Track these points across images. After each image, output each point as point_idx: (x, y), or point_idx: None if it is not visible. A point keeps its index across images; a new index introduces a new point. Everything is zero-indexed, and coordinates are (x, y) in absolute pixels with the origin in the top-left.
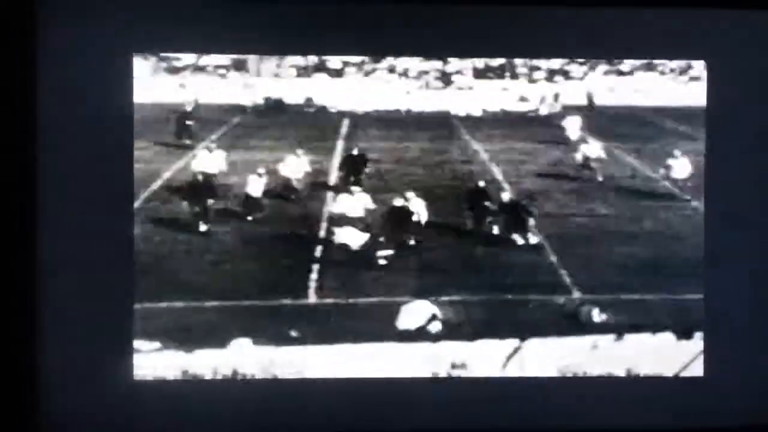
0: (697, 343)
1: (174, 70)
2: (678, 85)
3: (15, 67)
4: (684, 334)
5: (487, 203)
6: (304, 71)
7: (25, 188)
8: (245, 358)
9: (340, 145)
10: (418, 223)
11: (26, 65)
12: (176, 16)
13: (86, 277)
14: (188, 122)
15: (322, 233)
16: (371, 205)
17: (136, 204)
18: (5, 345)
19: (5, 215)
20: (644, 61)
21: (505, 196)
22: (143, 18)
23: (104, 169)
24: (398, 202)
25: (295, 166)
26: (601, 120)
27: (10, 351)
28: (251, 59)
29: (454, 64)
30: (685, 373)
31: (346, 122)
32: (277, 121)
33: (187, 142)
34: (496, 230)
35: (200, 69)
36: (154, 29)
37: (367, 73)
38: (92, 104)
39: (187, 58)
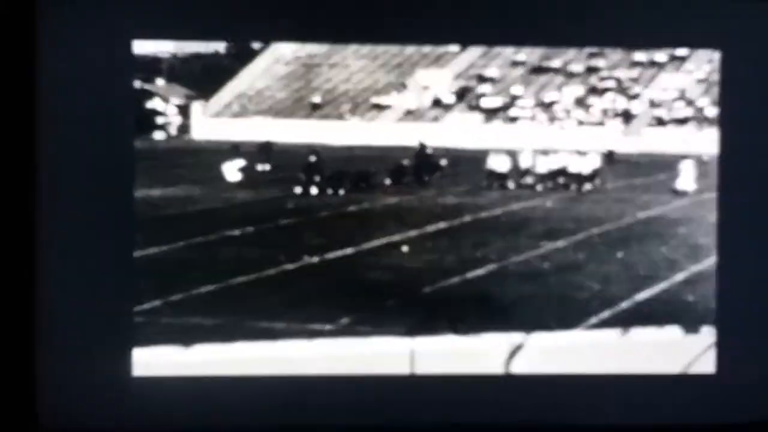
0: (705, 337)
1: None
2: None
3: (14, 54)
4: (692, 328)
5: None
6: None
7: (24, 181)
8: None
9: None
10: None
11: (26, 52)
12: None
13: (86, 272)
14: None
15: None
16: None
17: None
18: (3, 343)
19: (4, 208)
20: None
21: None
22: (145, 2)
23: (105, 160)
24: None
25: None
26: None
27: (8, 348)
28: None
29: None
30: (693, 369)
31: None
32: None
33: None
34: None
35: None
36: (155, 14)
37: None
38: (93, 91)
39: None
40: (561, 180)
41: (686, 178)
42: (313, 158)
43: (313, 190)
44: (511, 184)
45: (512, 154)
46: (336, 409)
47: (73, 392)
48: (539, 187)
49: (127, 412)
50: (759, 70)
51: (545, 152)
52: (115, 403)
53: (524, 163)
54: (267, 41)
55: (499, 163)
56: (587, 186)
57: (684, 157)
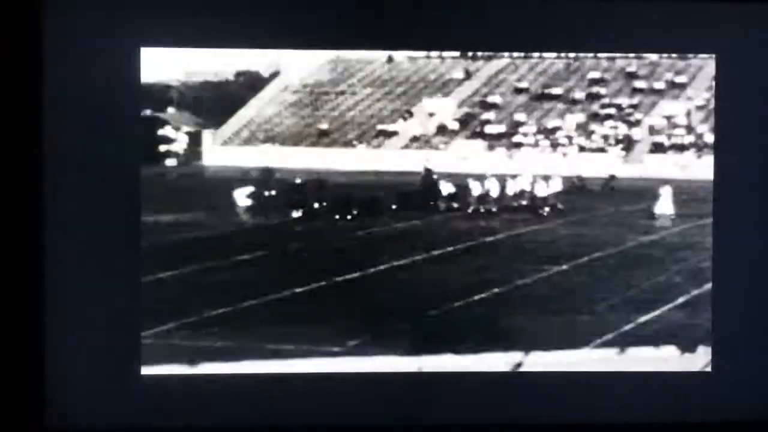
0: (701, 357)
1: None
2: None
3: (20, 60)
4: (688, 347)
5: None
6: None
7: (31, 179)
8: None
9: None
10: None
11: (32, 57)
12: (187, 7)
13: (93, 272)
14: None
15: None
16: None
17: None
18: (10, 343)
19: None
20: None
21: None
22: (152, 8)
23: (111, 157)
24: None
25: None
26: None
27: (16, 349)
28: None
29: None
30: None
31: None
32: None
33: None
34: None
35: None
36: (163, 21)
37: None
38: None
39: None
40: (518, 203)
41: (665, 203)
42: (298, 180)
43: (295, 213)
44: (469, 208)
45: (480, 179)
46: (343, 408)
47: (81, 392)
48: (495, 209)
49: (134, 411)
50: (754, 74)
51: (506, 177)
52: (122, 402)
53: (487, 187)
54: (282, 48)
55: (448, 188)
56: (545, 209)
57: (665, 182)
